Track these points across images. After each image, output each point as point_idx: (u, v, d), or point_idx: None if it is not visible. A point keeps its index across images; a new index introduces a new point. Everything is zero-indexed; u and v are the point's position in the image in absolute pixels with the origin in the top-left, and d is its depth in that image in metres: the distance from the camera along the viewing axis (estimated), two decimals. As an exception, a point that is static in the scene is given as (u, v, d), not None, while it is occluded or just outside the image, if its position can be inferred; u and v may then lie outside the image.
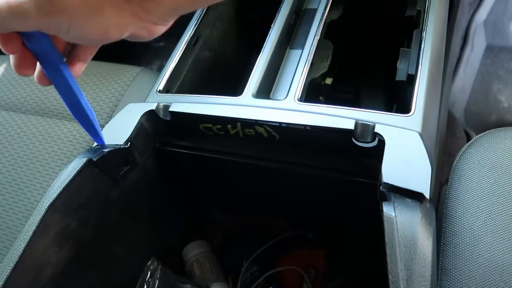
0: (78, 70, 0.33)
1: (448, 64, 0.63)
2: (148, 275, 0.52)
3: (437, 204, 0.47)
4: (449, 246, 0.39)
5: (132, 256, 0.52)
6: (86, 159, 0.38)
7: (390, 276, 0.27)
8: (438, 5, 0.51)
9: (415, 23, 0.53)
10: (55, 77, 0.32)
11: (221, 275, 0.58)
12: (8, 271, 0.33)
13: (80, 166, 0.38)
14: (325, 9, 0.54)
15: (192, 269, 0.58)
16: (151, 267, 0.52)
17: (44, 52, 0.30)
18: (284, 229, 0.62)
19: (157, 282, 0.52)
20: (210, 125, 0.44)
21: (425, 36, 0.47)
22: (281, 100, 0.44)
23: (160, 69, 0.78)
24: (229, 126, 0.43)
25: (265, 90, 0.49)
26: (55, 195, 0.36)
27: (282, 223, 0.63)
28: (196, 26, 0.57)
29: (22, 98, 0.69)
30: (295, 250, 0.60)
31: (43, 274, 0.37)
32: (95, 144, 0.42)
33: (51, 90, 0.69)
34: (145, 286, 0.51)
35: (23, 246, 0.34)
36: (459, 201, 0.42)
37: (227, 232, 0.64)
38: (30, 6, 0.24)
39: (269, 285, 0.55)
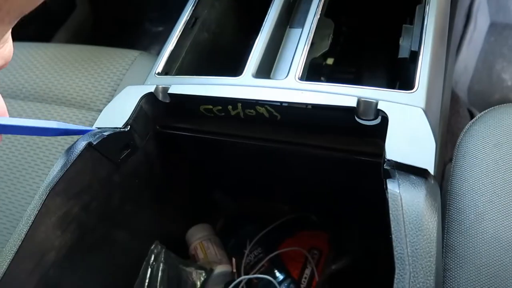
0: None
1: (452, 42, 0.62)
2: (152, 259, 0.52)
3: (441, 182, 0.46)
4: (453, 223, 0.38)
5: (136, 240, 0.52)
6: (85, 142, 0.37)
7: (395, 252, 0.27)
8: (442, -21, 0.49)
9: (418, -1, 0.52)
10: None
11: (224, 258, 0.58)
12: (12, 255, 0.33)
13: (79, 150, 0.37)
14: (325, -14, 0.52)
15: (195, 252, 0.59)
16: (155, 251, 0.53)
17: None
18: (287, 212, 0.62)
19: (161, 265, 0.52)
20: (211, 107, 0.43)
21: (428, 11, 0.46)
22: (281, 80, 0.43)
23: (158, 53, 0.77)
24: (229, 107, 0.42)
25: (265, 70, 0.48)
26: (56, 180, 0.36)
27: (284, 205, 0.63)
28: (194, 7, 0.56)
29: (21, 85, 0.68)
30: (299, 232, 0.60)
31: (46, 258, 0.37)
32: (94, 127, 0.41)
33: (50, 76, 0.68)
34: (149, 270, 0.52)
35: (25, 230, 0.34)
36: (463, 178, 0.41)
37: (230, 215, 0.64)
38: None
39: (273, 267, 0.56)
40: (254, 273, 0.55)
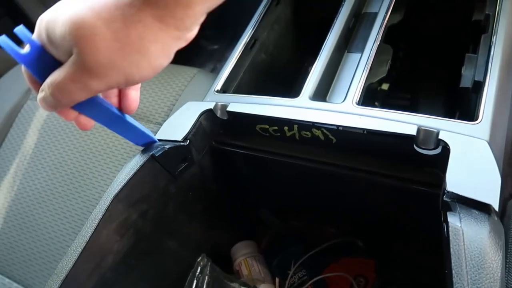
0: (136, 97, 0.35)
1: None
2: (198, 271, 0.53)
3: (502, 218, 0.44)
4: (516, 263, 0.36)
5: (184, 251, 0.53)
6: (149, 154, 0.40)
7: (455, 289, 0.26)
8: (510, 9, 0.48)
9: (483, 28, 0.50)
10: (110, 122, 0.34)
11: (268, 276, 0.58)
12: (77, 255, 0.35)
13: (143, 160, 0.39)
14: (386, 13, 0.53)
15: (240, 269, 0.59)
16: (201, 263, 0.54)
17: (97, 111, 0.32)
18: (334, 235, 0.61)
19: (206, 278, 0.53)
20: (267, 126, 0.45)
21: (495, 40, 0.45)
22: (339, 103, 0.43)
23: (213, 71, 0.79)
24: (285, 127, 0.43)
25: (322, 93, 0.49)
26: (119, 187, 0.38)
27: (331, 229, 0.62)
28: (254, 29, 0.58)
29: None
30: (344, 258, 0.59)
31: (105, 261, 0.39)
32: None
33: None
34: (195, 281, 0.53)
35: (90, 232, 0.36)
36: (528, 216, 0.39)
37: (275, 234, 0.64)
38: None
39: (317, 291, 0.55)
40: (298, 295, 0.55)
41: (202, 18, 0.26)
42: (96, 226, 0.36)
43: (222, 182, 0.55)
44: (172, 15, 0.24)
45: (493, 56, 0.43)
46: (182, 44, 0.27)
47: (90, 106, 0.31)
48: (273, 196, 0.61)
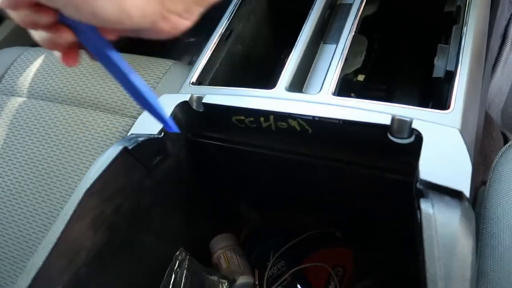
0: None
1: (487, 63, 0.61)
2: (176, 265, 0.53)
3: (473, 205, 0.45)
4: (487, 248, 0.37)
5: (162, 245, 0.53)
6: (122, 146, 0.39)
7: (427, 274, 0.26)
8: (480, 0, 0.49)
9: (454, 19, 0.51)
10: (108, 64, 0.30)
11: (247, 268, 0.58)
12: (47, 251, 0.34)
13: (116, 153, 0.39)
14: (360, 4, 0.53)
15: (218, 262, 0.59)
16: (179, 257, 0.53)
17: (93, 44, 0.29)
18: (312, 227, 0.61)
19: (185, 272, 0.53)
20: (243, 118, 0.44)
21: (466, 31, 0.45)
22: (315, 94, 0.43)
23: (190, 64, 0.78)
24: (261, 118, 0.43)
25: (298, 84, 0.49)
26: (92, 181, 0.37)
27: (310, 220, 0.63)
28: (229, 20, 0.57)
29: (59, 88, 0.71)
30: (323, 248, 0.60)
31: (78, 257, 0.38)
32: (130, 133, 0.43)
33: (87, 81, 0.70)
34: (173, 275, 0.52)
35: (61, 228, 0.35)
36: (498, 202, 0.40)
37: (254, 226, 0.64)
38: None
39: (296, 281, 0.55)
40: (277, 286, 0.55)
41: (198, 4, 0.26)
42: (68, 222, 0.35)
43: (199, 175, 0.54)
44: None
45: (464, 46, 0.44)
46: (166, 14, 0.26)
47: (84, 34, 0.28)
48: (251, 188, 0.61)
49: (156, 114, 0.33)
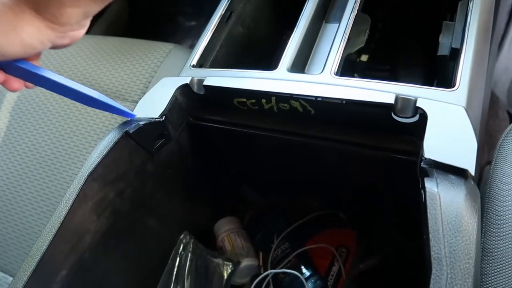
0: None
1: (493, 41, 0.60)
2: (181, 248, 0.53)
3: (478, 184, 0.45)
4: (492, 226, 0.37)
5: (166, 229, 0.53)
6: (123, 131, 0.38)
7: (432, 252, 0.26)
8: (487, -25, 0.47)
9: (460, -5, 0.50)
10: (45, 84, 0.33)
11: (251, 251, 0.59)
12: (51, 237, 0.34)
13: (117, 137, 0.38)
14: (363, -19, 0.52)
15: (223, 244, 0.59)
16: (184, 241, 0.53)
17: (23, 72, 0.32)
18: (315, 208, 0.61)
19: (189, 255, 0.53)
20: (244, 100, 0.44)
21: (472, 7, 0.44)
22: (317, 74, 0.43)
23: (191, 47, 0.77)
24: (263, 100, 0.42)
25: (300, 65, 0.48)
26: (93, 166, 0.37)
27: (313, 202, 0.62)
28: (230, 1, 0.56)
29: (61, 74, 0.70)
30: (327, 230, 0.60)
31: (82, 241, 0.38)
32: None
33: (87, 66, 0.70)
34: (178, 259, 0.52)
35: (64, 213, 0.35)
36: (503, 181, 0.40)
37: (258, 209, 0.64)
38: None
39: (300, 263, 0.55)
40: (281, 268, 0.55)
41: (84, 18, 0.29)
42: (71, 206, 0.35)
43: (202, 159, 0.54)
44: (46, 10, 0.28)
45: (469, 22, 0.43)
46: (61, 34, 0.30)
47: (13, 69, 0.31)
48: (254, 171, 0.60)
49: (110, 108, 0.37)
